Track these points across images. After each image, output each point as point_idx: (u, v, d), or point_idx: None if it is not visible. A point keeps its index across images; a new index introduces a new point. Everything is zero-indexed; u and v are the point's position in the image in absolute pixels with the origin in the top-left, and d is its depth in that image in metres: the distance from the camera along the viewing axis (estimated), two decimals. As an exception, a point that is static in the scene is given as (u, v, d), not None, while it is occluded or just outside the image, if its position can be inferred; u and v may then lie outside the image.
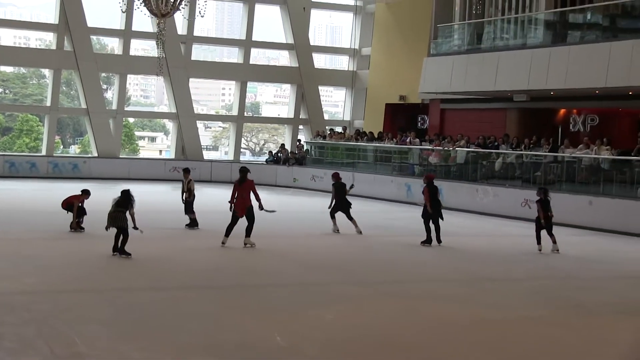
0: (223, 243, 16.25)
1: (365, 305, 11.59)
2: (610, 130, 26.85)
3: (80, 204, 17.67)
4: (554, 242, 17.67)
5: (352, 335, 9.73)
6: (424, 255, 16.74)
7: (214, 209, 21.24)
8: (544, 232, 17.75)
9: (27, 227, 18.37)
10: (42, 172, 33.59)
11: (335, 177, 20.31)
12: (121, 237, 14.61)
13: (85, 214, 17.73)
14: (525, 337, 10.04)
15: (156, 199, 26.51)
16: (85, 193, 17.85)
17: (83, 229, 17.49)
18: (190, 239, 17.54)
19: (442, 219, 18.08)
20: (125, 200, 14.90)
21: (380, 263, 15.57)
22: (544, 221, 17.74)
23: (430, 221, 17.91)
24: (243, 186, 16.31)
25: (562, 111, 29.32)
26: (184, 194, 19.11)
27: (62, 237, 17.14)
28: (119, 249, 14.55)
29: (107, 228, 14.79)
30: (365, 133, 34.39)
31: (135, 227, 14.91)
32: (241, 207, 16.20)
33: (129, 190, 15.17)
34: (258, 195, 16.30)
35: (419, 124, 34.70)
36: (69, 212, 17.68)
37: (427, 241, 17.81)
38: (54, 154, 36.16)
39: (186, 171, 19.55)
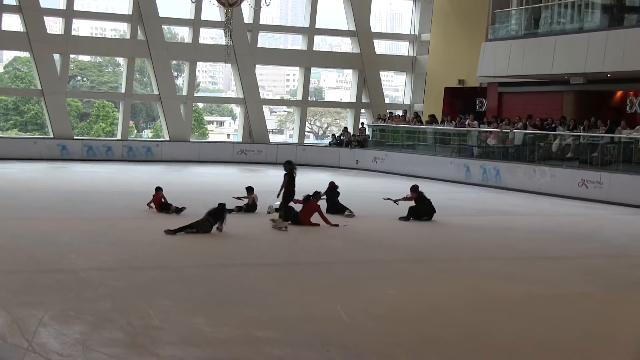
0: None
1: (423, 282, 11.59)
2: (667, 112, 26.28)
3: (162, 199, 18.05)
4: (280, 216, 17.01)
5: (411, 311, 9.75)
6: (481, 234, 16.63)
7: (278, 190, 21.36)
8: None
9: (103, 207, 18.72)
10: (117, 155, 34.14)
11: (331, 185, 19.12)
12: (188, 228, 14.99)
13: (169, 207, 17.93)
14: (579, 314, 9.93)
15: (225, 180, 26.77)
16: (160, 189, 18.22)
17: (181, 209, 17.71)
18: (254, 218, 17.67)
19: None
20: (218, 214, 15.22)
21: (438, 241, 15.53)
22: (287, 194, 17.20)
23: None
24: None
25: (619, 93, 28.73)
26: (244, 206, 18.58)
27: (136, 216, 17.43)
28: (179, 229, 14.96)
29: (191, 228, 15.02)
30: (418, 115, 34.22)
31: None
32: None
33: (225, 205, 15.46)
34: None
35: (477, 107, 34.36)
36: (170, 211, 17.82)
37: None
38: (129, 138, 36.73)
39: (249, 190, 18.76)
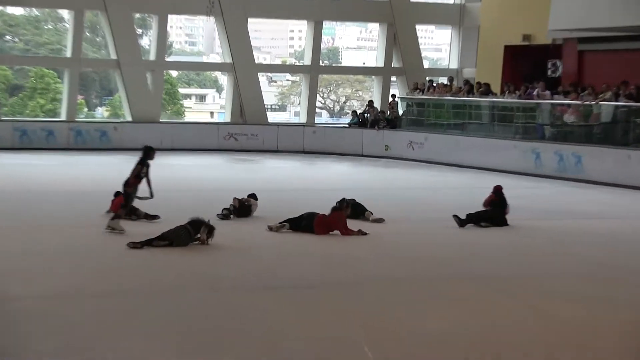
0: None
1: (474, 305, 11.62)
2: None
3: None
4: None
5: (460, 344, 9.76)
6: (552, 244, 16.71)
7: (280, 187, 21.42)
8: None
9: (44, 213, 18.73)
10: (61, 143, 34.24)
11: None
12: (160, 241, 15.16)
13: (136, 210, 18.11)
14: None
15: (208, 176, 26.78)
16: (120, 194, 18.35)
17: (152, 216, 17.91)
18: (249, 225, 17.71)
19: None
20: (201, 224, 15.41)
21: (494, 253, 15.61)
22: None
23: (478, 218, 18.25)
24: None
25: None
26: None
27: (89, 225, 17.35)
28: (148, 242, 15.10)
29: (162, 240, 15.19)
30: (469, 83, 34.19)
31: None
32: None
33: (213, 227, 15.60)
34: None
35: (549, 71, 34.31)
36: (137, 217, 17.97)
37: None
38: (77, 119, 36.78)
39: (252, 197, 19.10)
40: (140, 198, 17.04)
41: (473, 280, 13.45)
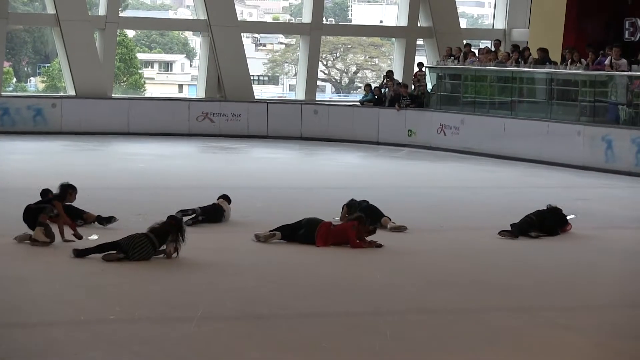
0: None
1: (534, 346, 11.56)
2: None
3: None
4: None
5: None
6: (627, 260, 16.74)
7: (270, 185, 21.37)
8: None
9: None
10: (-19, 124, 34.26)
11: None
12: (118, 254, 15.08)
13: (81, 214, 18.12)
14: None
15: (174, 170, 26.75)
16: (57, 199, 18.28)
17: (106, 219, 17.90)
18: (227, 233, 17.74)
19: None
20: (168, 230, 15.39)
21: (554, 277, 15.54)
22: None
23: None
24: None
25: None
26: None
27: (15, 233, 17.35)
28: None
29: (117, 251, 15.12)
30: (518, 48, 34.18)
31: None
32: None
33: (181, 219, 15.77)
34: None
35: (627, 33, 34.22)
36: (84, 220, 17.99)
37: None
38: (3, 93, 36.73)
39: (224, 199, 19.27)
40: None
41: (526, 311, 13.41)
